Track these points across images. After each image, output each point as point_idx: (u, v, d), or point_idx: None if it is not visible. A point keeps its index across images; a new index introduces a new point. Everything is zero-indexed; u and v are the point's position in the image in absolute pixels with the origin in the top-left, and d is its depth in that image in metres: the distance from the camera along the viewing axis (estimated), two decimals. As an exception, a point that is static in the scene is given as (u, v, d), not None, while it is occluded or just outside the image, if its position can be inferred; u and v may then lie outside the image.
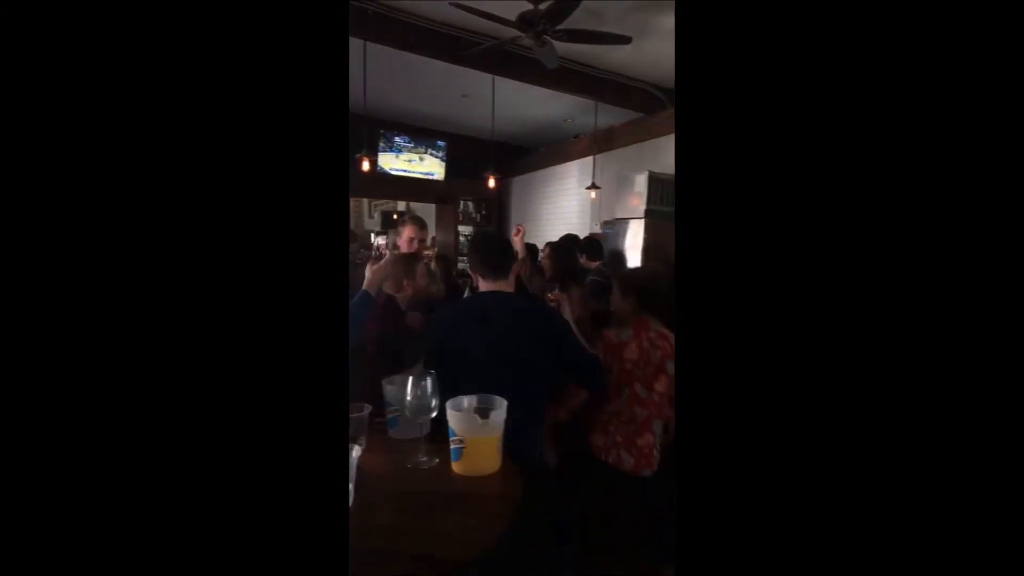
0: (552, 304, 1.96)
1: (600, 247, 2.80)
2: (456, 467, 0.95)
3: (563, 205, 5.51)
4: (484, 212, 6.12)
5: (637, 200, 3.83)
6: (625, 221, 3.89)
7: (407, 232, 2.11)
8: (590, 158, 4.85)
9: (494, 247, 1.40)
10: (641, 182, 3.78)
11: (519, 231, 2.53)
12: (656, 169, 3.92)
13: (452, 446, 0.95)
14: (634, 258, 3.76)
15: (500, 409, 0.97)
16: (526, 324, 1.32)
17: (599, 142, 4.78)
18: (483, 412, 0.96)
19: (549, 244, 2.37)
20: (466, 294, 3.46)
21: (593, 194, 4.30)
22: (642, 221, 3.74)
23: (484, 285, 1.38)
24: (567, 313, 1.98)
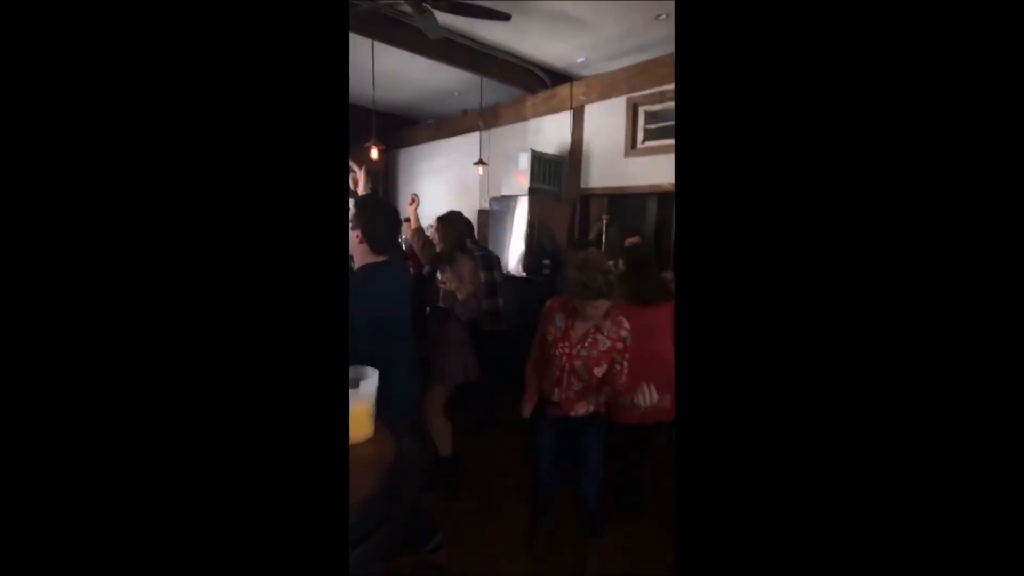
0: (442, 286, 1.99)
1: (470, 224, 2.87)
2: (327, 438, 0.97)
3: (452, 180, 5.50)
4: (371, 185, 5.86)
5: (522, 177, 3.96)
6: (512, 198, 4.01)
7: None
8: (477, 134, 4.88)
9: (384, 217, 1.35)
10: (525, 160, 3.92)
11: (414, 200, 2.47)
12: (539, 148, 4.08)
13: (323, 418, 0.96)
14: (519, 234, 3.91)
15: (371, 379, 0.99)
16: (403, 296, 1.34)
17: (486, 118, 4.82)
18: (354, 383, 0.98)
19: (439, 219, 2.37)
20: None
21: (480, 170, 4.34)
22: (526, 198, 3.90)
23: (368, 258, 1.34)
24: (464, 289, 2.01)
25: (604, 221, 4.05)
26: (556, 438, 1.72)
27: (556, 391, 1.60)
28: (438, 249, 2.32)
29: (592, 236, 3.98)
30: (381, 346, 1.23)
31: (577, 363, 1.56)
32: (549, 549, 1.91)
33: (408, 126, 6.01)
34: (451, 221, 2.32)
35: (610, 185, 3.97)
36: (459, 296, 2.04)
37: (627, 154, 3.82)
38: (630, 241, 3.01)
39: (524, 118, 4.63)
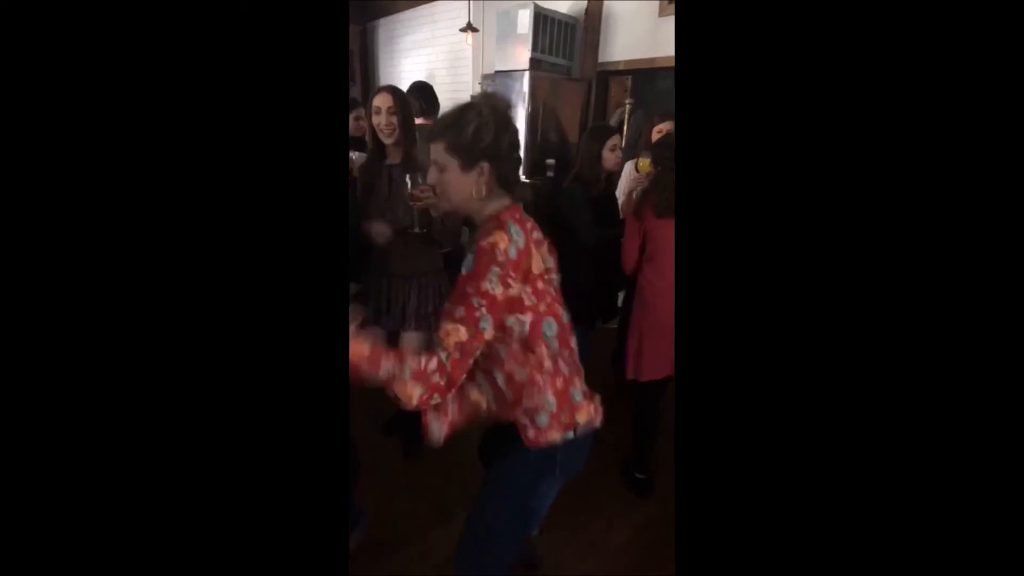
0: (415, 203, 1.34)
1: (435, 96, 2.09)
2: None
3: (439, 56, 4.50)
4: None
5: (521, 47, 3.05)
6: (509, 75, 3.12)
7: None
8: (468, -9, 3.82)
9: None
10: (525, 20, 2.97)
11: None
12: (544, 5, 3.11)
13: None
14: (517, 124, 3.09)
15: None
16: None
17: (478, -31, 3.73)
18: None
19: (386, 89, 1.54)
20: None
21: (469, 38, 3.39)
22: (528, 74, 3.01)
23: None
24: (441, 204, 1.19)
25: (627, 106, 3.18)
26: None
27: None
28: (389, 141, 1.54)
29: (613, 122, 3.14)
30: None
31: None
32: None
33: (386, -12, 4.87)
34: (403, 98, 1.53)
35: (637, 57, 3.04)
36: (434, 213, 1.36)
37: (662, 12, 2.86)
38: (660, 129, 2.19)
39: (527, -34, 3.55)
